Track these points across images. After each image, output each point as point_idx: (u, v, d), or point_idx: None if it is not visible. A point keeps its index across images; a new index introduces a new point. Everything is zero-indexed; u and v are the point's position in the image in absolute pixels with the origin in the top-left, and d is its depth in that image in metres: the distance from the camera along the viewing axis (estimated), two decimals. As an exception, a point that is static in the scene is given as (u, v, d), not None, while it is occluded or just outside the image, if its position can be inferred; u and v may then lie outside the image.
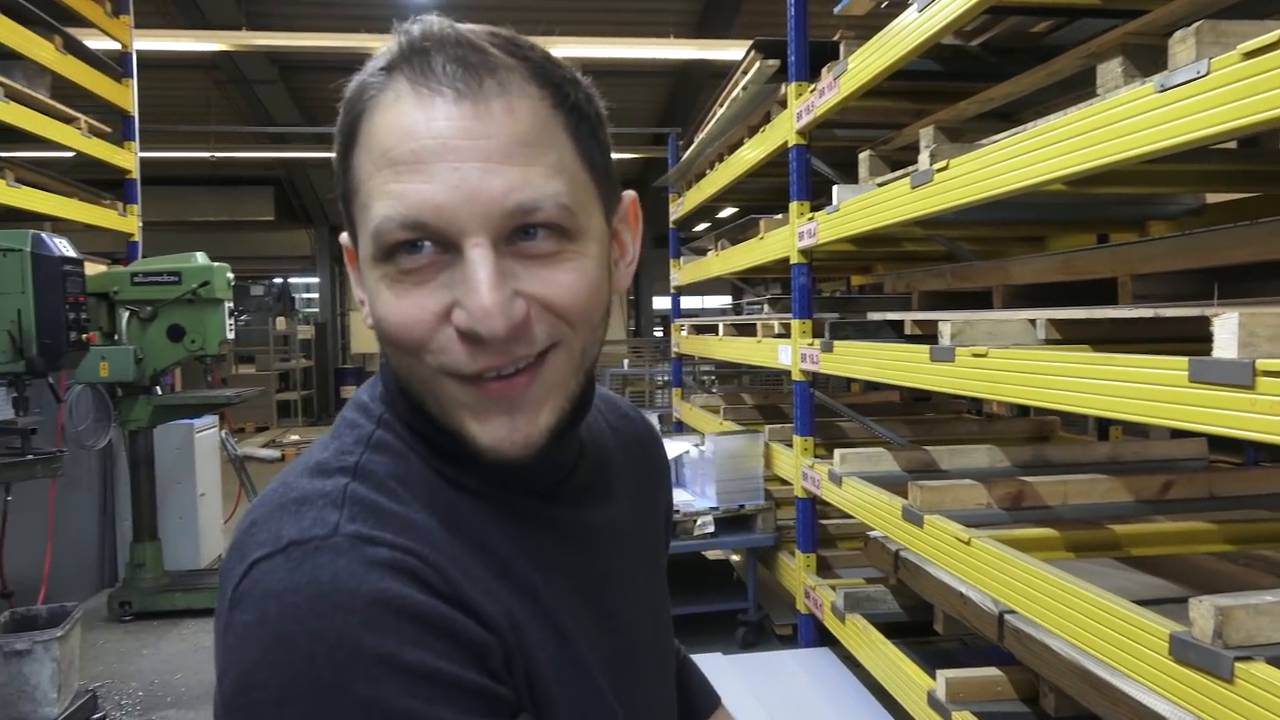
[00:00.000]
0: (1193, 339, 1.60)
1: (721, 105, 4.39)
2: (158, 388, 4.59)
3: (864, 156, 3.14)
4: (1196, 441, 3.07)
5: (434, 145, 0.57)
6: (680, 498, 4.12)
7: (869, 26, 2.85)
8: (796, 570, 3.71)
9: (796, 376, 3.58)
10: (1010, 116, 2.97)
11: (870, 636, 2.97)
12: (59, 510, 4.20)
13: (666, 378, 8.99)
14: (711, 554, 4.82)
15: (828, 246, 3.36)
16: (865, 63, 2.77)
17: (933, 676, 2.49)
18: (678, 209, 6.01)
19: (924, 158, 2.45)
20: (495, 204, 0.57)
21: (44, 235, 3.38)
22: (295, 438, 11.30)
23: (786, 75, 3.52)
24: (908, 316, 2.94)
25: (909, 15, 2.46)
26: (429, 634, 0.55)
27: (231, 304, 4.63)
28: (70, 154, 4.88)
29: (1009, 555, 2.07)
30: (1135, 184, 2.57)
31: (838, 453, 3.21)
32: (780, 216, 3.93)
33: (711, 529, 3.91)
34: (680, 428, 5.94)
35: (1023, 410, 4.33)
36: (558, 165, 0.60)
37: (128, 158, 5.39)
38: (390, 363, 0.64)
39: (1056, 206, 3.06)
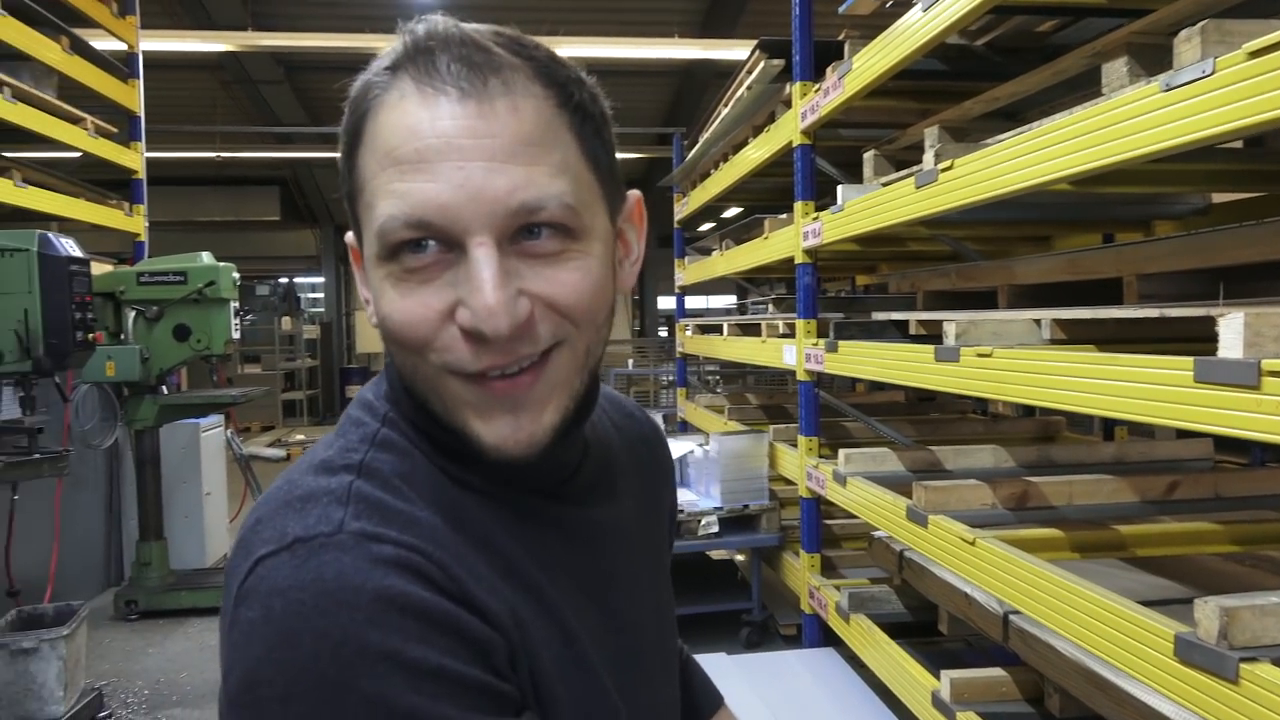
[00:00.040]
0: (1198, 339, 1.60)
1: (726, 105, 4.39)
2: (164, 387, 4.60)
3: (869, 156, 3.14)
4: (1202, 442, 3.06)
5: (438, 144, 0.57)
6: (685, 497, 4.12)
7: (874, 26, 2.85)
8: (801, 570, 3.71)
9: (801, 376, 3.58)
10: (1015, 116, 2.97)
11: (875, 637, 2.97)
12: (65, 509, 4.21)
13: (671, 378, 9.00)
14: (716, 554, 4.82)
15: (832, 246, 3.36)
16: (870, 62, 2.77)
17: (937, 677, 2.49)
18: (682, 209, 6.00)
19: (929, 157, 2.45)
20: (499, 203, 0.57)
21: (50, 235, 3.39)
22: (300, 437, 11.33)
23: (791, 75, 3.51)
24: (912, 316, 2.94)
25: (914, 14, 2.46)
26: (434, 631, 0.55)
27: (237, 304, 4.64)
28: (77, 154, 4.89)
29: (1014, 556, 2.07)
30: (1141, 184, 2.56)
31: (842, 453, 3.20)
32: (785, 216, 3.92)
33: (716, 529, 3.91)
34: (685, 428, 5.94)
35: (1028, 410, 4.32)
36: (562, 165, 0.60)
37: (134, 158, 5.40)
38: (394, 361, 0.64)
39: (1062, 206, 3.06)
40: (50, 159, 5.09)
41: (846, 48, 3.02)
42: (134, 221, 5.38)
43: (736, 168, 4.45)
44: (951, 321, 2.31)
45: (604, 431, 0.80)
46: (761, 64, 3.66)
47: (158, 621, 4.50)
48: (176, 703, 3.60)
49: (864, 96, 2.96)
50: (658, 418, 5.99)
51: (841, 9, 3.08)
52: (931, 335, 2.68)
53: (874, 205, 2.82)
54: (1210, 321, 1.49)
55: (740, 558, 4.60)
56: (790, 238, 3.65)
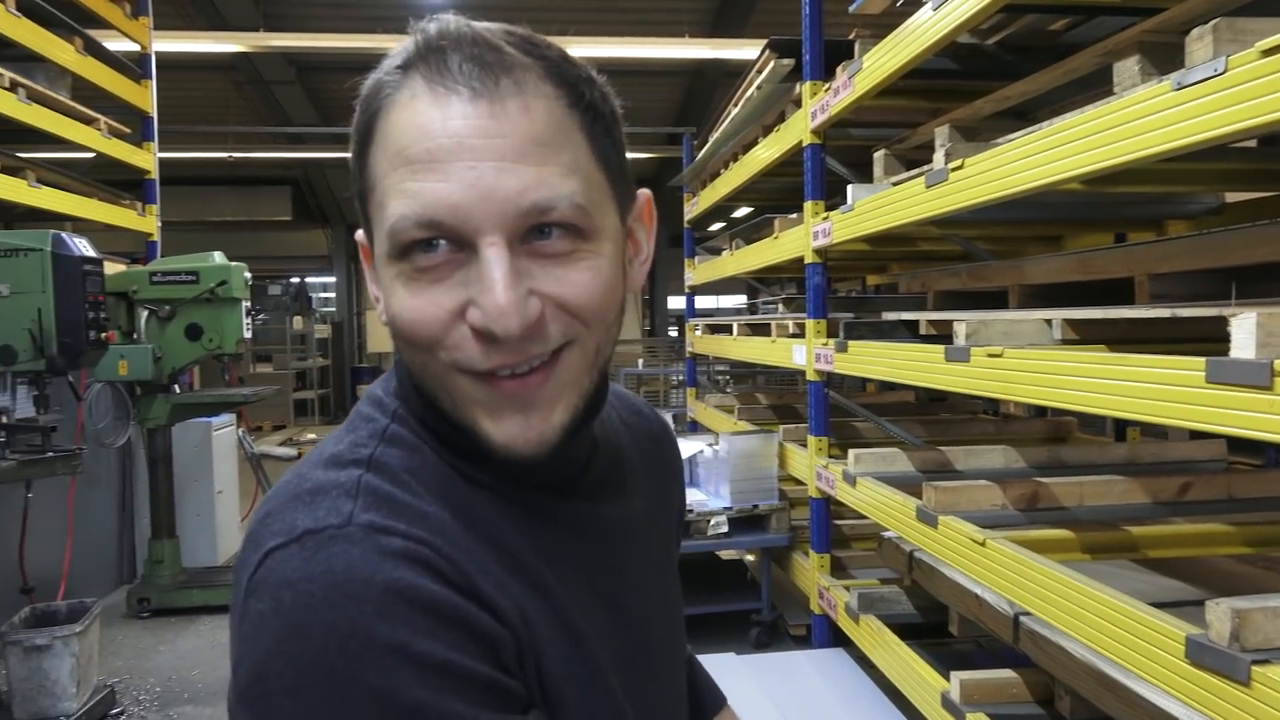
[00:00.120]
0: (1211, 339, 1.59)
1: (736, 105, 4.39)
2: (176, 386, 4.62)
3: (879, 156, 3.13)
4: (1215, 443, 3.05)
5: (450, 144, 0.57)
6: (694, 497, 4.11)
7: (884, 25, 2.84)
8: (810, 570, 3.71)
9: (811, 376, 3.58)
10: (1026, 115, 2.96)
11: (884, 637, 2.96)
12: (79, 507, 4.24)
13: (681, 377, 8.99)
14: (725, 554, 4.81)
15: (842, 246, 3.35)
16: (880, 61, 2.77)
17: (947, 678, 2.48)
18: (692, 209, 6.00)
19: (939, 157, 2.44)
20: (510, 203, 0.57)
21: (64, 235, 3.42)
22: (312, 436, 11.37)
23: (801, 74, 3.51)
24: (922, 316, 2.93)
25: (924, 13, 2.45)
26: (442, 625, 0.55)
27: (249, 303, 4.66)
28: (90, 154, 4.92)
29: (1024, 557, 2.06)
30: (1152, 183, 2.55)
31: (852, 453, 3.20)
32: (795, 216, 3.92)
33: (725, 529, 3.91)
34: (695, 427, 5.93)
35: (1039, 411, 4.30)
36: (573, 164, 0.60)
37: (147, 158, 5.43)
38: (404, 359, 0.65)
39: (1073, 206, 3.04)
40: (64, 159, 5.12)
41: (857, 47, 3.01)
42: (147, 221, 5.40)
43: (746, 167, 4.44)
44: (962, 321, 2.31)
45: (613, 429, 0.80)
46: (771, 63, 3.65)
47: (169, 619, 4.53)
48: (188, 700, 3.62)
49: (874, 96, 2.96)
50: (668, 417, 6.01)
51: (852, 8, 3.08)
52: (942, 335, 2.67)
53: (884, 205, 2.81)
54: (1222, 322, 1.48)
55: (750, 558, 4.60)
56: (800, 237, 3.65)
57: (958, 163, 2.32)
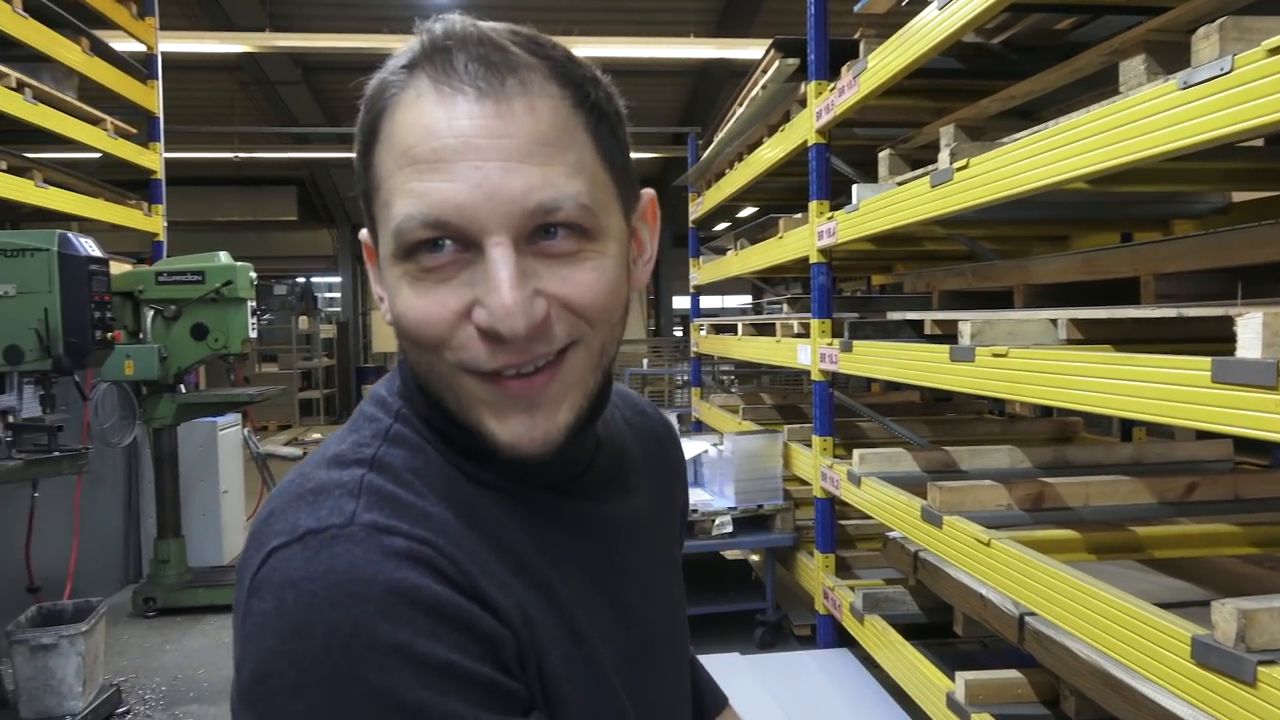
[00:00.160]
0: (1217, 339, 1.58)
1: (741, 104, 4.39)
2: (182, 386, 4.64)
3: (884, 155, 3.13)
4: (1222, 443, 3.04)
5: (456, 144, 0.57)
6: (699, 497, 4.11)
7: (889, 25, 2.84)
8: (815, 570, 3.70)
9: (815, 376, 3.57)
10: (1031, 115, 2.95)
11: (889, 638, 2.95)
12: (85, 507, 4.25)
13: (686, 377, 8.99)
14: (730, 554, 4.81)
15: (847, 246, 3.35)
16: (885, 61, 2.76)
17: (952, 678, 2.47)
18: (697, 208, 6.00)
19: (944, 156, 2.44)
20: (516, 203, 0.57)
21: (70, 235, 3.42)
22: (317, 436, 11.39)
23: (806, 74, 3.51)
24: (927, 316, 2.93)
25: (930, 13, 2.44)
26: (444, 626, 0.55)
27: (254, 303, 4.67)
28: (97, 155, 4.94)
29: (1029, 557, 2.06)
30: (1158, 182, 2.54)
31: (857, 453, 3.19)
32: (800, 216, 3.92)
33: (730, 529, 3.91)
34: (699, 427, 5.93)
35: (1045, 411, 4.30)
36: (578, 164, 0.60)
37: (153, 158, 5.45)
38: (409, 359, 0.65)
39: (1079, 205, 3.04)
40: (70, 159, 5.13)
41: (862, 46, 3.01)
42: (153, 221, 5.42)
43: (751, 167, 4.44)
44: (967, 321, 2.30)
45: (616, 428, 0.80)
46: (777, 63, 3.65)
47: (175, 618, 4.54)
48: (194, 699, 3.63)
49: (879, 95, 2.95)
50: (672, 417, 5.97)
51: (857, 8, 3.07)
52: (947, 335, 2.67)
53: (889, 205, 2.81)
54: (1228, 321, 1.48)
55: (754, 558, 4.60)
56: (805, 237, 3.64)
57: (963, 162, 2.31)
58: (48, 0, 4.11)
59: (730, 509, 3.93)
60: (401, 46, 0.62)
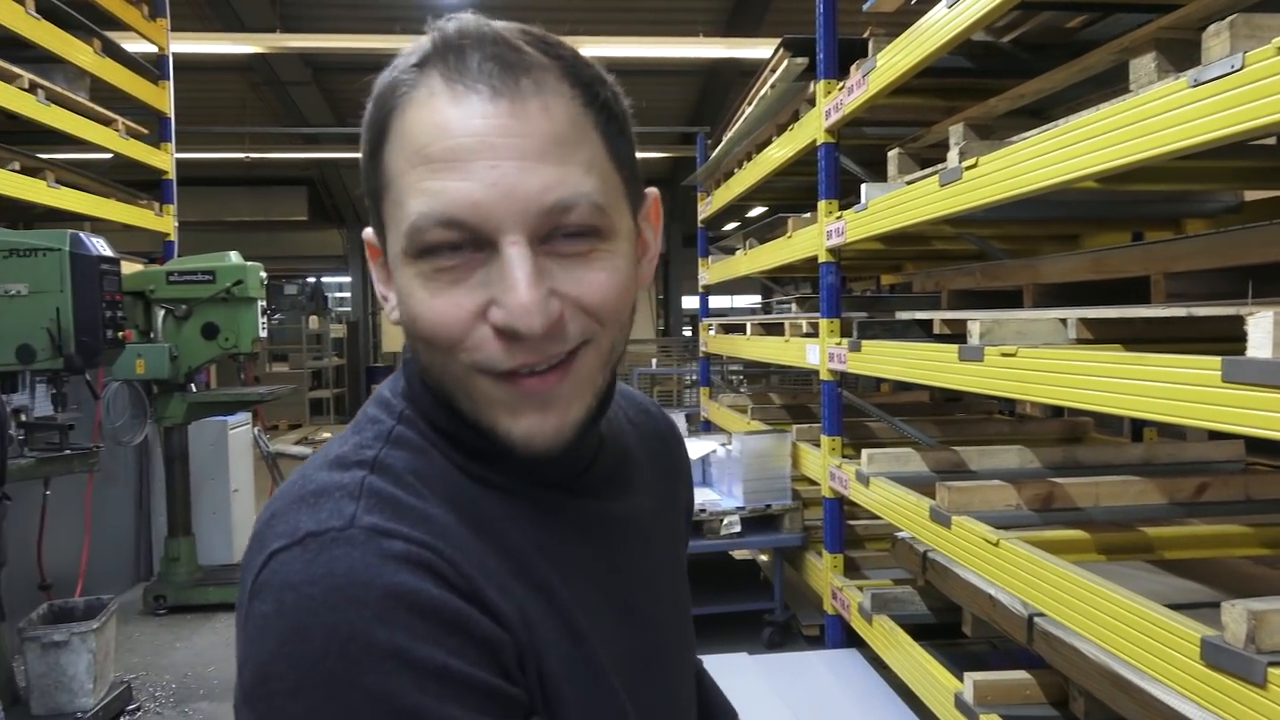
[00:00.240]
0: (1227, 339, 1.58)
1: (750, 104, 4.38)
2: (192, 385, 4.66)
3: (893, 154, 3.12)
4: (1233, 443, 3.02)
5: (471, 143, 0.57)
6: (707, 497, 4.11)
7: (898, 24, 2.83)
8: (823, 571, 3.70)
9: (824, 376, 3.57)
10: (1041, 113, 2.94)
11: (897, 638, 2.95)
12: (96, 505, 4.27)
13: (695, 377, 8.98)
14: (738, 554, 4.81)
15: (856, 245, 3.34)
16: (894, 60, 2.76)
17: (960, 679, 2.47)
18: (706, 208, 6.00)
19: (953, 155, 2.43)
20: (533, 202, 0.57)
21: (82, 235, 3.45)
22: (327, 435, 11.43)
23: (815, 73, 3.50)
24: (936, 315, 2.92)
25: (939, 11, 2.44)
26: (442, 630, 0.55)
27: (264, 302, 4.69)
28: (108, 155, 4.97)
29: (1038, 557, 2.05)
30: (1169, 181, 2.53)
31: (865, 453, 3.19)
32: (808, 215, 3.91)
33: (738, 528, 3.91)
34: (708, 427, 5.93)
35: (1055, 411, 4.28)
36: (591, 164, 0.60)
37: (164, 159, 5.48)
38: (421, 360, 0.64)
39: (1089, 204, 3.02)
40: (82, 160, 5.16)
41: (871, 45, 3.00)
42: (164, 221, 5.45)
43: (760, 167, 4.44)
44: (976, 321, 2.29)
45: (619, 427, 0.80)
46: (785, 62, 3.65)
47: (185, 616, 4.56)
48: (203, 696, 3.64)
49: (888, 94, 2.95)
50: (681, 417, 5.95)
51: (866, 6, 3.07)
52: (956, 335, 2.66)
53: (898, 204, 2.80)
54: (1239, 321, 1.47)
55: (763, 558, 4.59)
56: (814, 237, 3.64)
57: (972, 161, 2.30)
58: (60, 2, 4.14)
59: (738, 509, 3.92)
60: (410, 45, 0.62)
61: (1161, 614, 1.65)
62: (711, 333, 6.01)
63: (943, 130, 3.02)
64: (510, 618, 0.60)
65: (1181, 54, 1.80)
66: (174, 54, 5.66)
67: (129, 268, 4.42)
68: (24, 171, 3.90)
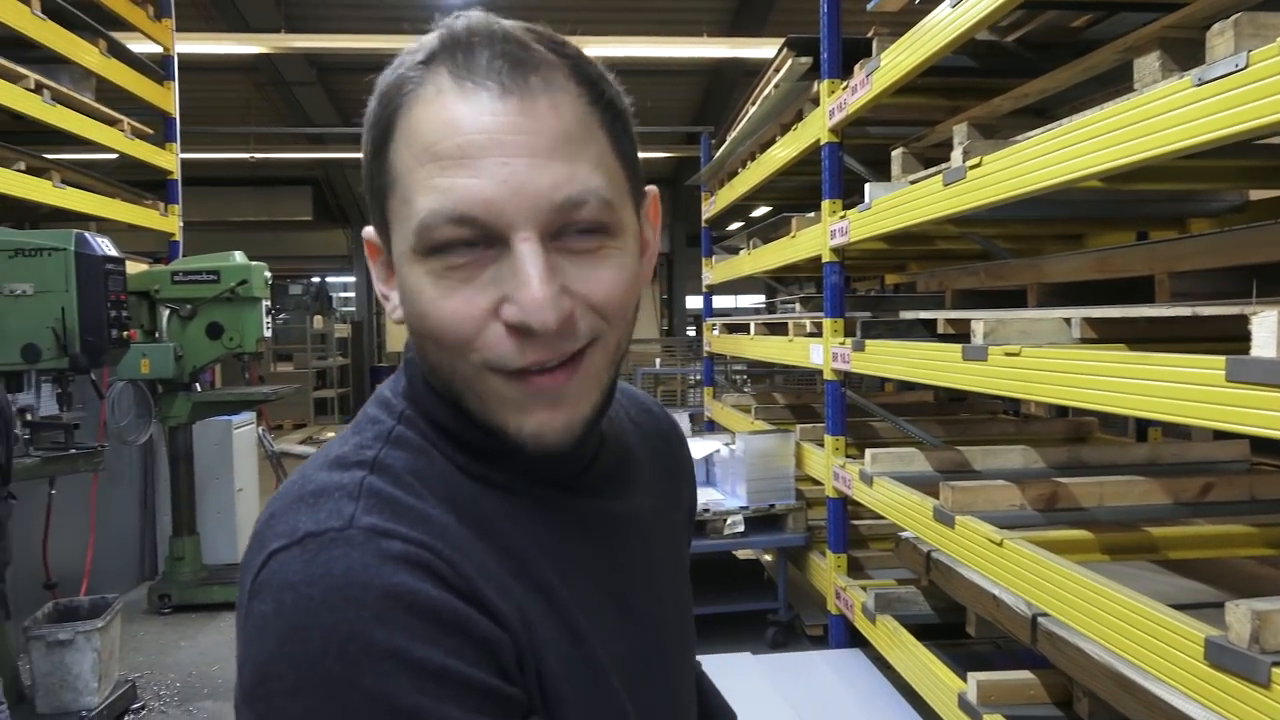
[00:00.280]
0: (1232, 338, 1.57)
1: (754, 103, 4.38)
2: (197, 384, 4.67)
3: (897, 154, 3.12)
4: (1238, 443, 3.01)
5: (482, 140, 0.57)
6: (711, 497, 4.11)
7: (902, 23, 2.83)
8: (827, 570, 3.69)
9: (828, 376, 3.56)
10: (1045, 113, 2.94)
11: (901, 638, 2.94)
12: (101, 504, 4.28)
13: (699, 377, 8.98)
14: (742, 553, 4.80)
15: (860, 245, 3.34)
16: (898, 59, 2.75)
17: (964, 679, 2.46)
18: (710, 208, 6.00)
19: (957, 155, 2.43)
20: (544, 198, 0.57)
21: (87, 235, 3.46)
22: (331, 435, 11.40)
23: (819, 73, 3.50)
24: (940, 315, 2.91)
25: (943, 10, 2.44)
26: (440, 630, 0.55)
27: (269, 302, 4.69)
28: (114, 155, 4.98)
29: (1042, 557, 2.05)
30: (1173, 180, 2.52)
31: (869, 452, 3.19)
32: (812, 215, 3.91)
33: (742, 528, 3.90)
34: (712, 427, 5.93)
35: (1060, 411, 4.27)
36: (598, 161, 0.60)
37: (169, 159, 5.49)
38: (429, 359, 0.63)
39: (1093, 204, 3.02)
40: (88, 160, 5.18)
41: (875, 45, 3.00)
42: (169, 221, 5.46)
43: (764, 166, 4.43)
44: (979, 320, 2.29)
45: (621, 426, 0.80)
46: (789, 62, 3.65)
47: (190, 615, 4.57)
48: (208, 695, 3.65)
49: (892, 94, 2.94)
50: (685, 417, 5.95)
51: (869, 6, 3.07)
52: (960, 334, 2.66)
53: (902, 203, 2.80)
54: (1243, 320, 1.46)
55: (767, 557, 4.59)
56: (818, 236, 3.63)
57: (976, 160, 2.30)
58: (65, 2, 4.15)
59: (742, 508, 3.92)
60: (413, 44, 0.62)
61: (1165, 614, 1.64)
62: (715, 332, 6.01)
63: (947, 130, 3.02)
64: (509, 618, 0.60)
65: (1186, 53, 1.79)
66: (179, 54, 5.67)
67: (134, 267, 4.44)
68: (30, 171, 3.91)
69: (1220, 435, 2.94)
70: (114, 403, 4.43)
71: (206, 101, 10.53)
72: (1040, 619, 2.13)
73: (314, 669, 0.53)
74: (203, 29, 8.12)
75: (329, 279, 16.52)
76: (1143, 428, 3.91)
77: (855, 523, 3.94)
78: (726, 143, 5.07)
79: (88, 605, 3.41)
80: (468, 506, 0.63)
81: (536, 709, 0.61)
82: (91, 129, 4.44)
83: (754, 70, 5.77)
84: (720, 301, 6.91)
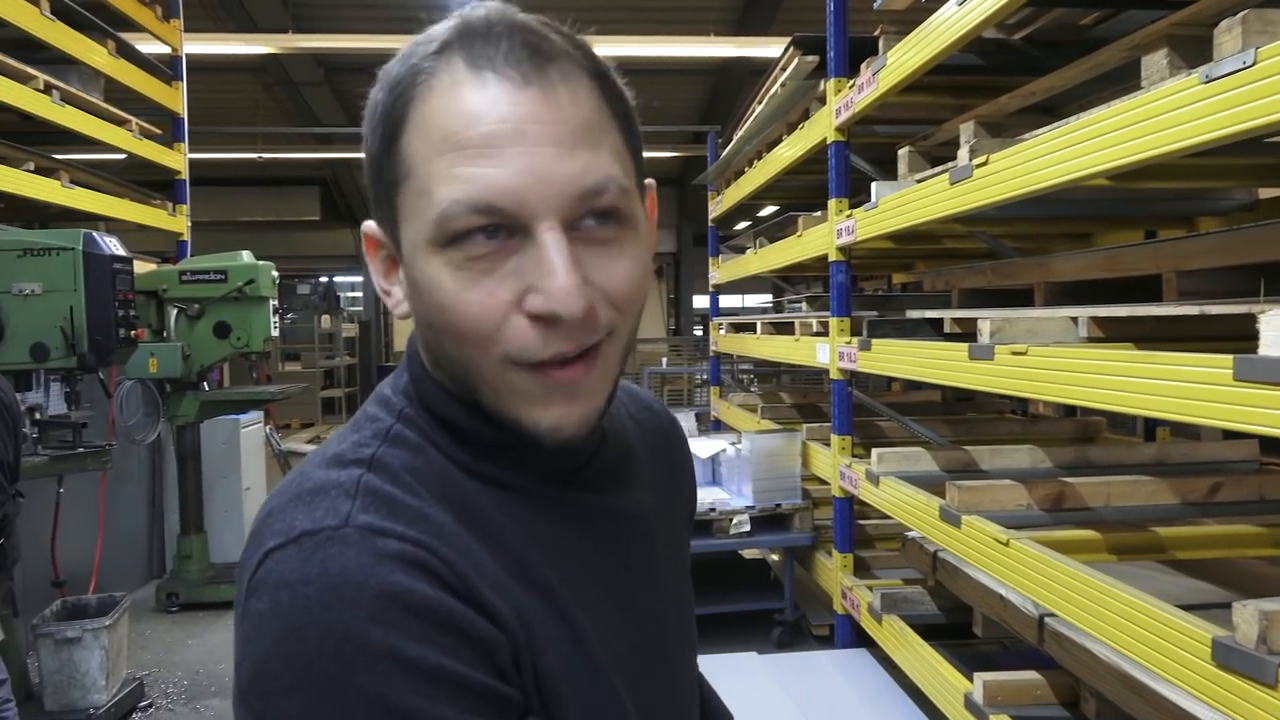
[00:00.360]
0: (1239, 337, 1.56)
1: (760, 102, 4.38)
2: (205, 383, 4.69)
3: (903, 152, 3.11)
4: (1247, 443, 3.00)
5: (505, 130, 0.56)
6: (717, 496, 4.11)
7: (908, 21, 2.82)
8: (834, 570, 3.69)
9: (834, 375, 3.56)
10: (1052, 111, 2.93)
11: (907, 638, 2.94)
12: (109, 503, 4.30)
13: (705, 376, 8.98)
14: (748, 553, 4.80)
15: (867, 244, 3.33)
16: (905, 57, 2.74)
17: (970, 679, 2.46)
18: (717, 207, 5.99)
19: (964, 153, 2.42)
20: (567, 187, 0.57)
21: (95, 234, 3.47)
22: (339, 434, 11.44)
23: (825, 71, 3.49)
24: (946, 314, 2.91)
25: (949, 8, 2.43)
26: (436, 630, 0.55)
27: (276, 301, 4.71)
28: (122, 155, 5.00)
29: (1049, 557, 2.04)
30: (1180, 178, 2.51)
31: (875, 452, 3.18)
32: (819, 214, 3.90)
33: (748, 528, 3.90)
34: (718, 426, 5.92)
35: (1068, 410, 4.25)
36: (614, 151, 0.61)
37: (177, 159, 5.51)
38: (443, 352, 0.63)
39: (1100, 202, 3.01)
40: (97, 160, 5.20)
41: (881, 43, 2.99)
42: (177, 221, 5.48)
43: (770, 165, 4.43)
44: (986, 319, 2.28)
45: (621, 423, 0.79)
46: (796, 60, 3.64)
47: (197, 614, 4.59)
48: (215, 693, 3.66)
49: (899, 92, 2.94)
50: (691, 416, 5.94)
51: (876, 4, 3.06)
52: (967, 334, 2.65)
53: (908, 202, 2.79)
54: (1251, 319, 1.45)
55: (773, 557, 4.58)
56: (824, 235, 3.63)
57: (982, 159, 2.29)
58: (74, 3, 4.17)
59: (748, 508, 3.92)
60: (421, 35, 0.62)
61: (1173, 614, 1.63)
62: (722, 332, 6.00)
63: (953, 128, 3.01)
64: (506, 617, 0.59)
65: (1193, 50, 1.78)
66: (187, 55, 5.69)
67: (142, 267, 4.45)
68: (39, 172, 3.93)
69: (1230, 435, 2.92)
70: (122, 402, 4.44)
71: (214, 102, 10.56)
72: (1047, 619, 2.13)
73: (310, 668, 0.53)
74: (210, 29, 8.14)
75: (337, 279, 16.55)
76: (1151, 427, 3.89)
77: (861, 522, 3.93)
78: (733, 142, 5.06)
79: (95, 603, 3.42)
80: (466, 505, 0.62)
81: (534, 709, 0.60)
82: (100, 129, 4.46)
83: (761, 69, 5.76)
84: (727, 301, 6.91)
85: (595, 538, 0.70)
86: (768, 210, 8.06)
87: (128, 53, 4.83)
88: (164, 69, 5.39)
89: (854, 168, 3.53)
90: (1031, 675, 2.41)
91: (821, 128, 3.56)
